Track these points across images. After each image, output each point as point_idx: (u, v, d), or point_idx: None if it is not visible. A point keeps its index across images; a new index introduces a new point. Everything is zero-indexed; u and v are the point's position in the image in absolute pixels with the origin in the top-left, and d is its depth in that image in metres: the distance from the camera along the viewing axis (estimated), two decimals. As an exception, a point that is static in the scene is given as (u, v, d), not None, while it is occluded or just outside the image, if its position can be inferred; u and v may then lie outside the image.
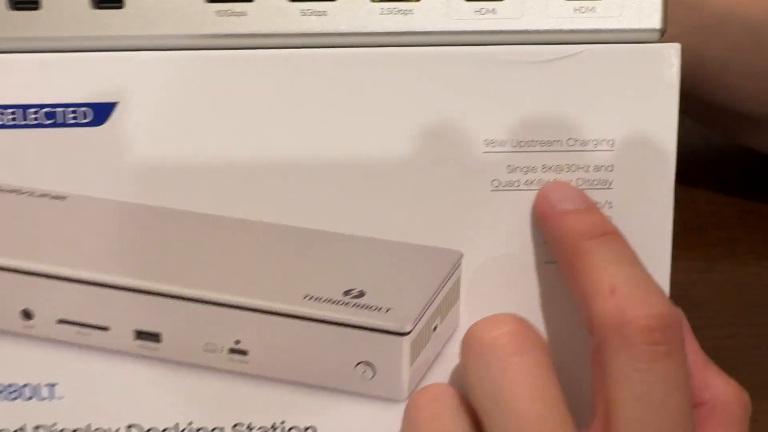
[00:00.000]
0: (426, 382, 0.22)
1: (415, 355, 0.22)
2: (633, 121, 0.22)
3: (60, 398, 0.22)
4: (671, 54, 0.21)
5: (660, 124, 0.22)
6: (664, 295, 0.20)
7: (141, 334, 0.22)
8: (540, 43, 0.22)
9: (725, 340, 0.35)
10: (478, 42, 0.21)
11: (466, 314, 0.22)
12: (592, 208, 0.21)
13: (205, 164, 0.22)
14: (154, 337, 0.22)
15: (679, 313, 0.19)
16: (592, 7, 0.21)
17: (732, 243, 0.39)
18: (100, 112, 0.22)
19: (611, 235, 0.20)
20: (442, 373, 0.22)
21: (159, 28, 0.21)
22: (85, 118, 0.22)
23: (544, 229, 0.22)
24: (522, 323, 0.20)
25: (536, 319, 0.22)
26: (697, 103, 0.33)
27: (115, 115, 0.22)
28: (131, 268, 0.22)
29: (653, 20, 0.22)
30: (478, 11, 0.21)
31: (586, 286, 0.20)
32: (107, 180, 0.22)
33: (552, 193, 0.21)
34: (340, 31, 0.21)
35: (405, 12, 0.21)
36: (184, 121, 0.22)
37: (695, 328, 0.36)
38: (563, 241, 0.21)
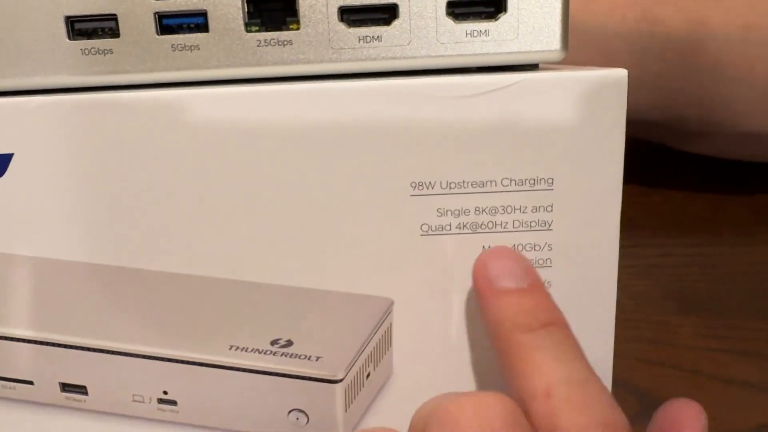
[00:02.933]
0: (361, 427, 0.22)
1: (349, 401, 0.21)
2: (574, 157, 0.19)
3: (-7, 449, 0.22)
4: (618, 82, 0.19)
5: (604, 158, 0.20)
6: (609, 398, 0.17)
7: (67, 387, 0.22)
8: (433, 68, 0.20)
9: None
10: (363, 70, 0.20)
11: (400, 362, 0.21)
12: (534, 287, 0.19)
13: (114, 216, 0.20)
14: (80, 389, 0.22)
15: (625, 420, 0.17)
16: (485, 30, 0.19)
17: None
18: (-4, 165, 0.20)
19: (551, 326, 0.18)
20: (377, 419, 0.22)
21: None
22: (-20, 172, 0.20)
23: (480, 306, 0.19)
24: (513, 407, 0.17)
25: (471, 369, 0.21)
26: None
27: (13, 165, 0.20)
28: (54, 323, 0.21)
29: (552, 41, 0.19)
30: (363, 39, 0.19)
31: (520, 386, 0.17)
32: (11, 234, 0.20)
33: (491, 264, 0.19)
34: (216, 66, 0.19)
35: (284, 43, 0.19)
36: (83, 169, 0.20)
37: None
38: (498, 330, 0.18)
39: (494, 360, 0.21)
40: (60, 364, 0.21)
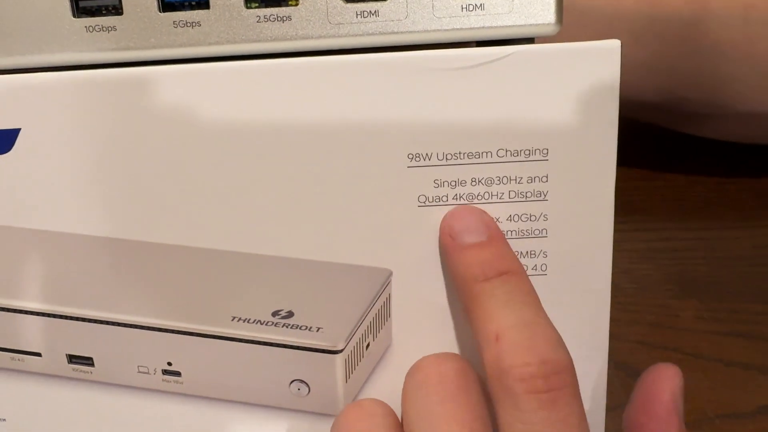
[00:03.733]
0: (361, 398, 0.22)
1: (349, 372, 0.22)
2: (569, 127, 0.20)
3: (2, 420, 0.23)
4: (611, 53, 0.19)
5: (598, 129, 0.20)
6: (554, 338, 0.18)
7: (73, 359, 0.22)
8: (429, 42, 0.20)
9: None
10: (361, 45, 0.20)
11: (399, 332, 0.22)
12: (493, 239, 0.20)
13: (119, 190, 0.21)
14: (87, 360, 0.22)
15: (567, 357, 0.18)
16: (480, 4, 0.19)
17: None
18: (3, 140, 0.21)
19: (506, 275, 0.19)
20: (377, 389, 0.22)
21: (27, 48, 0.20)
22: (-11, 147, 0.21)
23: (446, 263, 0.20)
24: (467, 364, 0.19)
25: (469, 338, 0.21)
26: None
27: (20, 141, 0.21)
28: (61, 296, 0.22)
29: (547, 15, 0.20)
30: (360, 14, 0.20)
31: (477, 333, 0.19)
32: (18, 209, 0.21)
33: (455, 223, 0.20)
34: (216, 42, 0.20)
35: (283, 18, 0.20)
36: (88, 144, 0.20)
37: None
38: (460, 282, 0.20)
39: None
40: (67, 336, 0.22)
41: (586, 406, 0.19)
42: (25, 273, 0.22)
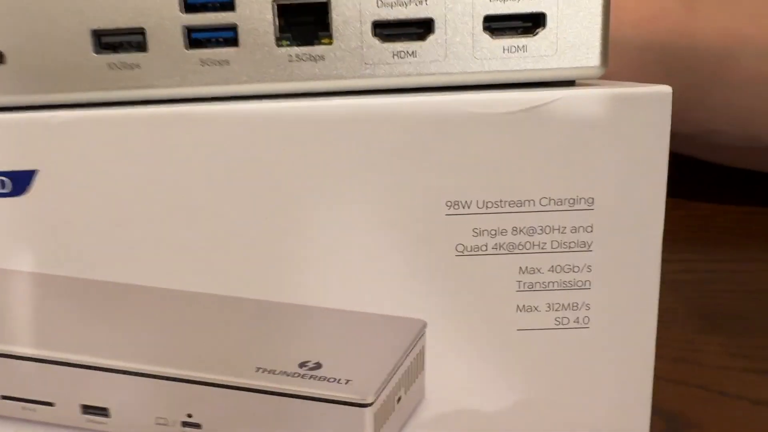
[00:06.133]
0: (392, 451, 0.21)
1: (378, 426, 0.21)
2: (616, 176, 0.19)
3: (12, 472, 0.22)
4: (661, 99, 0.18)
5: (647, 176, 0.19)
6: None
7: (88, 409, 0.21)
8: (469, 84, 0.19)
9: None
10: (397, 86, 0.19)
11: (432, 386, 0.21)
12: None
13: (136, 234, 0.20)
14: (101, 411, 0.21)
15: None
16: (523, 46, 0.18)
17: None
18: (19, 181, 0.19)
19: None
20: (407, 444, 0.21)
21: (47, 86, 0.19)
22: (3, 188, 0.20)
23: None
24: None
25: (507, 389, 0.20)
26: None
27: (37, 183, 0.19)
28: (75, 343, 0.21)
29: (592, 57, 0.19)
30: (397, 54, 0.19)
31: None
32: (34, 253, 0.20)
33: None
34: (246, 81, 0.19)
35: (316, 58, 0.19)
36: (109, 187, 0.19)
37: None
38: None
39: (528, 384, 0.20)
40: (81, 385, 0.21)
41: None
42: (37, 319, 0.21)
